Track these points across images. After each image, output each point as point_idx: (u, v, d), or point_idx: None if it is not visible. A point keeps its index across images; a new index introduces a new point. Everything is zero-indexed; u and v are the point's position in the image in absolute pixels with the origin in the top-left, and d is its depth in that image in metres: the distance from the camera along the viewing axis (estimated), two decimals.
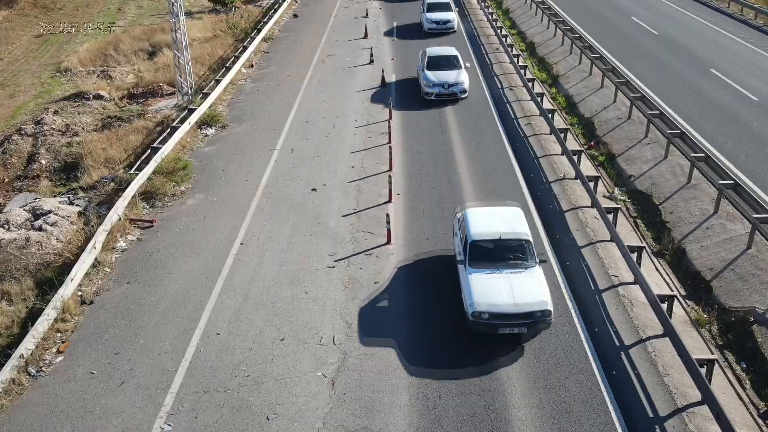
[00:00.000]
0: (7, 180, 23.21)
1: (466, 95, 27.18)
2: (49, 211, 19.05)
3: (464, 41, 36.12)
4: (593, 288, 15.53)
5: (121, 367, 13.32)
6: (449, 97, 26.98)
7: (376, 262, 16.57)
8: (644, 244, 16.80)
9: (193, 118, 24.97)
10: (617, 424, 11.77)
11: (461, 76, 27.22)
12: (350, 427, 11.77)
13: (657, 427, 11.75)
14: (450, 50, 28.67)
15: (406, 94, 28.18)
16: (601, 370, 13.02)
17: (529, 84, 27.48)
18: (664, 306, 14.03)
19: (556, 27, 35.42)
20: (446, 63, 27.60)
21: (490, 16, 39.49)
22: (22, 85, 33.60)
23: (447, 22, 37.16)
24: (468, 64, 28.75)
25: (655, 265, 16.70)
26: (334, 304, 15.06)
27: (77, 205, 19.89)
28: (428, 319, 14.54)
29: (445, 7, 38.20)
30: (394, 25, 40.09)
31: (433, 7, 37.96)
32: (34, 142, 25.09)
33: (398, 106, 26.65)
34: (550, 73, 31.30)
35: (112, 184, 20.77)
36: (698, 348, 13.64)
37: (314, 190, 20.29)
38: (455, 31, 37.26)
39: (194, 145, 24.02)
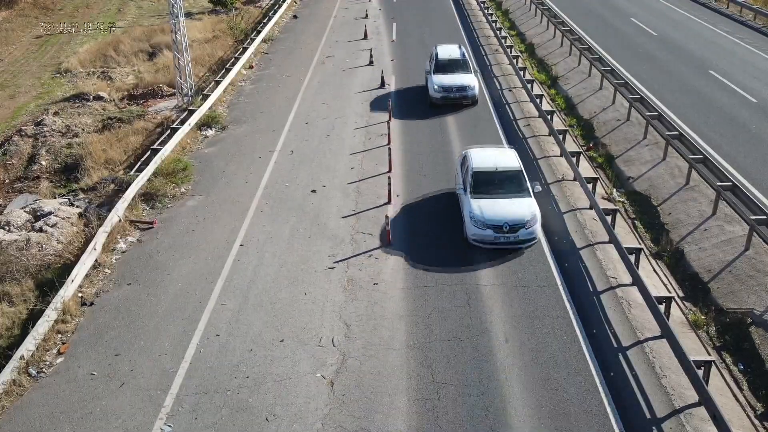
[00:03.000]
0: (7, 181, 23.26)
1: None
2: (50, 213, 19.09)
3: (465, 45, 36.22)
4: (591, 289, 15.59)
5: (121, 369, 13.38)
6: None
7: (375, 263, 16.63)
8: (642, 246, 16.87)
9: (193, 119, 25.02)
10: (615, 426, 11.82)
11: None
12: (349, 428, 11.82)
13: (654, 428, 11.81)
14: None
15: (406, 96, 28.25)
16: (599, 371, 13.07)
17: (529, 85, 27.51)
18: (662, 307, 14.08)
19: (555, 28, 35.49)
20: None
21: (489, 17, 39.56)
22: (23, 86, 33.66)
23: (464, 88, 26.21)
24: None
25: (653, 267, 16.77)
26: (334, 305, 15.11)
27: (77, 207, 19.94)
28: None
29: (462, 67, 26.90)
30: (394, 26, 40.15)
31: (442, 68, 26.72)
32: (34, 143, 25.16)
33: (398, 107, 26.71)
34: (550, 74, 31.36)
35: (113, 185, 20.82)
36: (696, 349, 13.71)
37: (314, 191, 20.34)
38: (476, 103, 26.74)
39: (194, 146, 24.07)
